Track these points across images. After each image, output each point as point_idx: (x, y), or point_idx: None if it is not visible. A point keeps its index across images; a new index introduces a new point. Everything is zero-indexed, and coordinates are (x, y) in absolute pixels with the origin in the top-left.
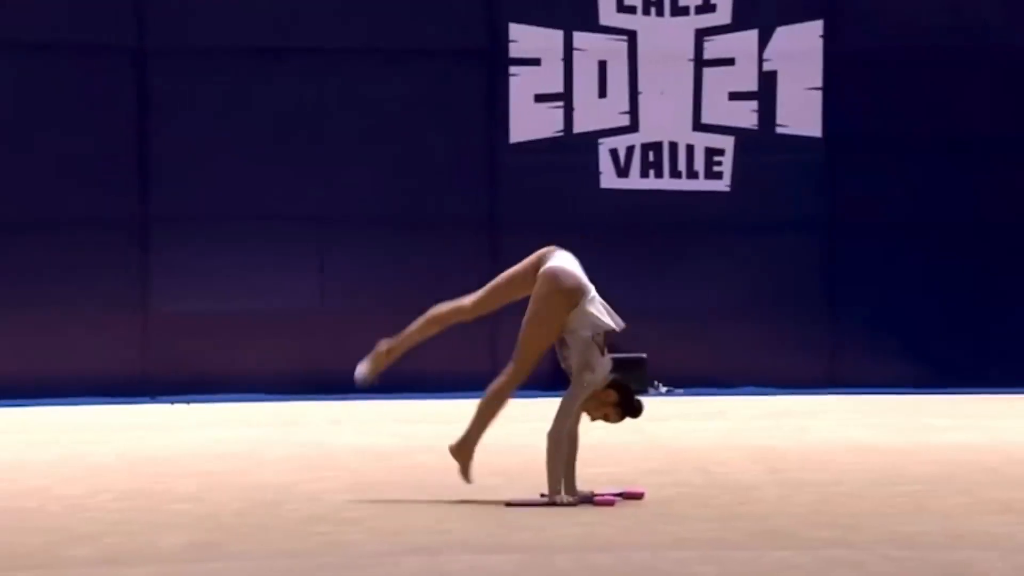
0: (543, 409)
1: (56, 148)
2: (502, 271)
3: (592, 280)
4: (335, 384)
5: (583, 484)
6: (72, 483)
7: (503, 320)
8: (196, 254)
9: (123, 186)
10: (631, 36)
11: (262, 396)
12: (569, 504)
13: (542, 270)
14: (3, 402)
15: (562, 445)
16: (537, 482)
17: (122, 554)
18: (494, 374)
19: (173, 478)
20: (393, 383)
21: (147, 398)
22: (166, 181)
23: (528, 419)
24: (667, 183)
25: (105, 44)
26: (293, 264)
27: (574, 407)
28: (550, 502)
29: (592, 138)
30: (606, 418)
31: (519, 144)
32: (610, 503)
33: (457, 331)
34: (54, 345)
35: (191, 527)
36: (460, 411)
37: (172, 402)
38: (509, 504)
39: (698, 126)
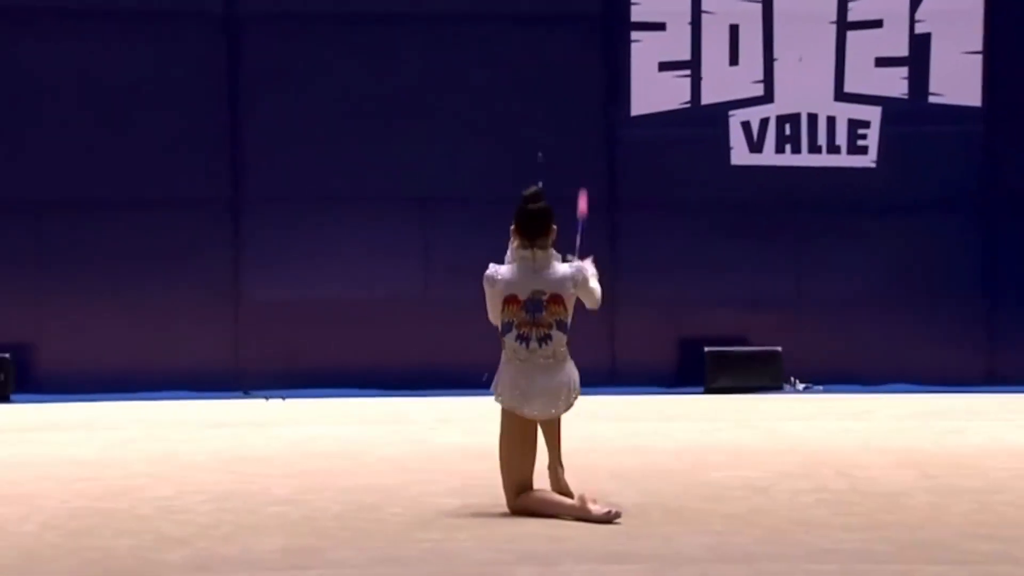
0: (636, 408)
1: (145, 124)
2: (621, 256)
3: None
4: (441, 379)
5: (690, 494)
6: (163, 483)
7: (620, 312)
8: (291, 238)
9: (214, 164)
10: None
11: (362, 391)
12: None
13: None
14: (92, 396)
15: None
16: (655, 485)
17: (215, 560)
18: (613, 370)
19: (268, 479)
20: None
21: (240, 393)
22: (260, 160)
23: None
24: (805, 159)
25: (196, 11)
26: (395, 249)
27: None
28: None
29: (722, 110)
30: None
31: (640, 118)
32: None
33: (573, 324)
34: (144, 337)
35: (287, 531)
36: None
37: (266, 397)
38: None
39: (841, 95)
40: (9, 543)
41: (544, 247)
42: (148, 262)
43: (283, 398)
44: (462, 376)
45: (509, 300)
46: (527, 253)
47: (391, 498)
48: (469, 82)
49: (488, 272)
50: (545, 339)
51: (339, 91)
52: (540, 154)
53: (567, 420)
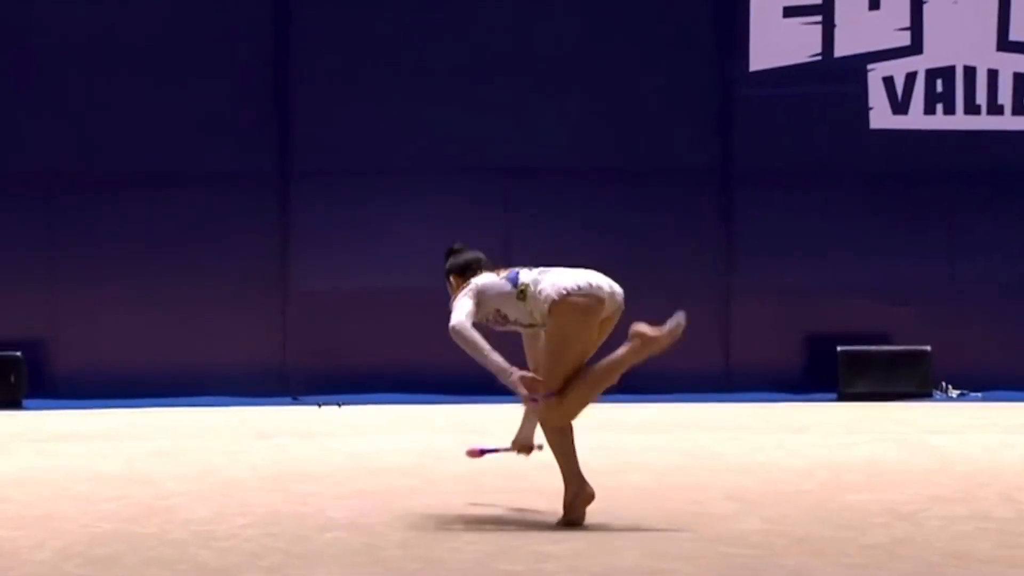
0: (754, 418)
1: (178, 91)
2: (736, 238)
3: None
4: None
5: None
6: (200, 503)
7: (736, 304)
8: (348, 218)
9: (259, 135)
10: None
11: (429, 397)
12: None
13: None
14: (116, 402)
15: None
16: (781, 511)
17: None
18: (728, 374)
19: (322, 499)
20: None
21: (288, 398)
22: (311, 129)
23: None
24: (961, 121)
25: None
26: (470, 229)
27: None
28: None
29: (860, 63)
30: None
31: (761, 73)
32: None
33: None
34: (176, 333)
35: (345, 562)
36: (683, 417)
37: (319, 403)
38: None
39: (1004, 45)
40: (22, 574)
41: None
42: (180, 246)
43: (338, 404)
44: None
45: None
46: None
47: (466, 522)
48: (558, 35)
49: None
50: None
51: (404, 52)
52: None
53: (666, 431)
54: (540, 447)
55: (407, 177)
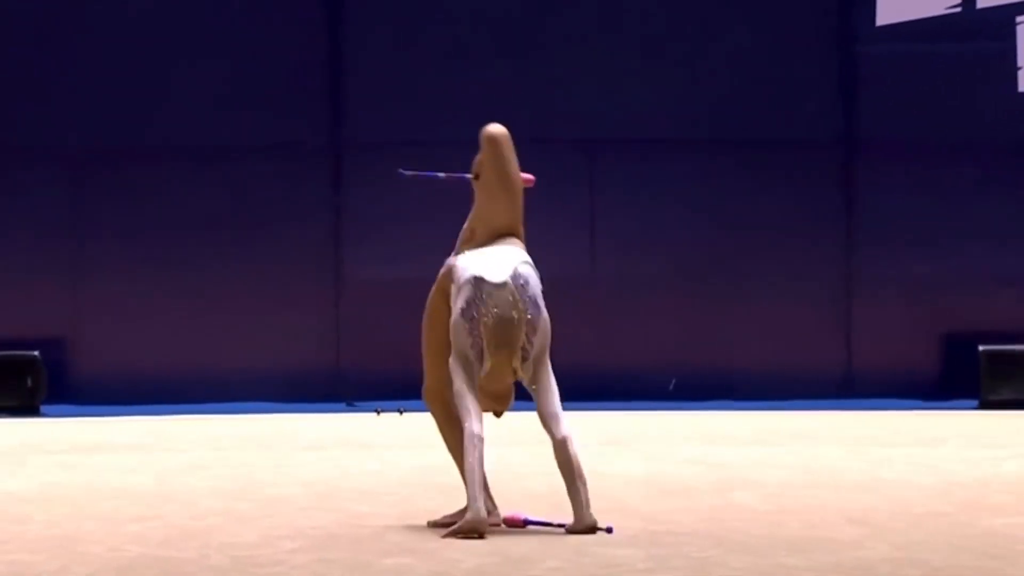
0: (880, 428)
1: (233, 63)
2: (859, 217)
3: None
4: (611, 387)
5: None
6: (242, 525)
7: (858, 297)
8: (407, 196)
9: (310, 107)
10: None
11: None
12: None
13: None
14: (146, 408)
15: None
16: (913, 536)
17: None
18: (849, 377)
19: (382, 519)
20: (698, 387)
21: (342, 404)
22: (365, 99)
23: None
24: None
25: None
26: (549, 207)
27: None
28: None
29: (1007, 15)
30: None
31: (890, 28)
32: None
33: (802, 316)
34: (214, 330)
35: None
36: (798, 426)
37: (377, 410)
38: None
39: None
40: None
41: None
42: (219, 231)
43: (400, 411)
44: (640, 383)
45: None
46: None
47: (546, 547)
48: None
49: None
50: None
51: (467, 14)
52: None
53: (778, 444)
54: (609, 529)
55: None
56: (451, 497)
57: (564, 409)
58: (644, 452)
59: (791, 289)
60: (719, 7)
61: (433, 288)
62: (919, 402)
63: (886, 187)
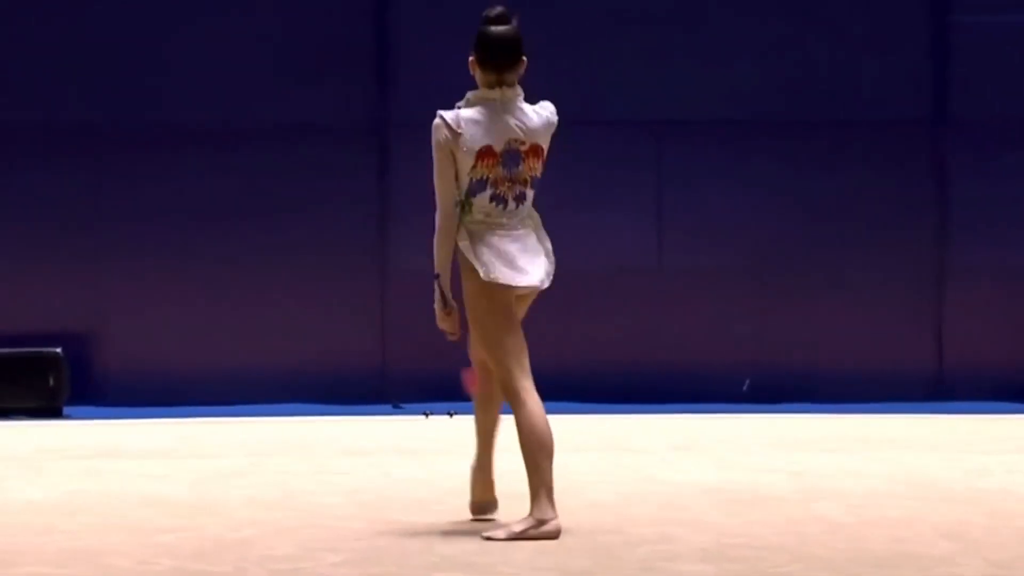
0: (978, 433)
1: (269, 38)
2: (951, 203)
3: None
4: (680, 388)
5: None
6: (281, 536)
7: (951, 290)
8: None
9: (354, 83)
10: None
11: (565, 404)
12: None
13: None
14: (177, 410)
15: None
16: (1017, 552)
17: None
18: (940, 378)
19: (431, 531)
20: (775, 388)
21: (388, 406)
22: (416, 76)
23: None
24: None
25: None
26: (614, 191)
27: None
28: None
29: None
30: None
31: None
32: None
33: (889, 311)
34: (250, 325)
35: None
36: (885, 432)
37: (426, 412)
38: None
39: None
40: None
41: (512, 83)
42: (256, 218)
43: (450, 414)
44: (711, 383)
45: (483, 154)
46: (493, 93)
47: (609, 561)
48: None
49: (445, 119)
50: (521, 197)
51: None
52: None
53: (863, 450)
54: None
55: None
56: (507, 508)
57: (625, 412)
58: (717, 459)
59: (876, 281)
60: None
61: None
62: (1018, 405)
63: (981, 170)
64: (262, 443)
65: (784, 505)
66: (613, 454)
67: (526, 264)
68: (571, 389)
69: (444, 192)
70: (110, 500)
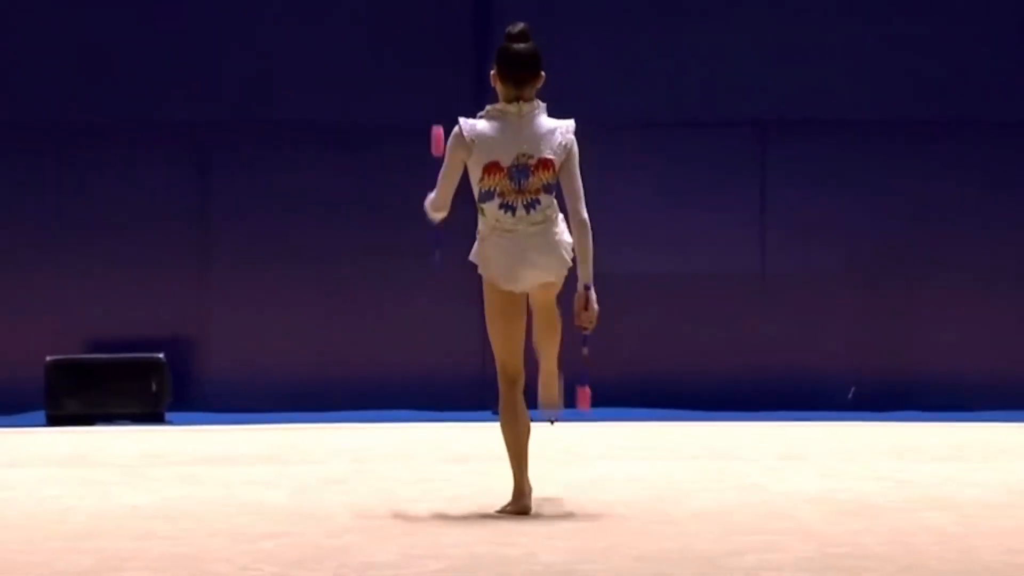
0: None
1: (372, 37)
2: None
3: None
4: (785, 396)
5: None
6: (382, 543)
7: None
8: None
9: (453, 81)
10: None
11: (668, 412)
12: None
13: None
14: (278, 416)
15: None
16: None
17: None
18: None
19: (532, 539)
20: (882, 395)
21: (488, 412)
22: None
23: None
24: None
25: None
26: (720, 202)
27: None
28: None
29: None
30: None
31: None
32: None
33: (1000, 316)
34: (353, 330)
35: None
36: (997, 440)
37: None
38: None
39: None
40: None
41: (530, 98)
42: (357, 221)
43: (551, 421)
44: (815, 391)
45: (490, 168)
46: (511, 107)
47: (713, 569)
48: None
49: (462, 128)
50: (533, 204)
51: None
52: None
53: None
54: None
55: (635, 132)
56: (608, 516)
57: (729, 420)
58: (821, 467)
59: (986, 286)
60: None
61: None
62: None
63: None
64: (364, 449)
65: (890, 514)
66: (717, 462)
67: (524, 269)
68: (674, 396)
69: (441, 186)
70: (211, 506)
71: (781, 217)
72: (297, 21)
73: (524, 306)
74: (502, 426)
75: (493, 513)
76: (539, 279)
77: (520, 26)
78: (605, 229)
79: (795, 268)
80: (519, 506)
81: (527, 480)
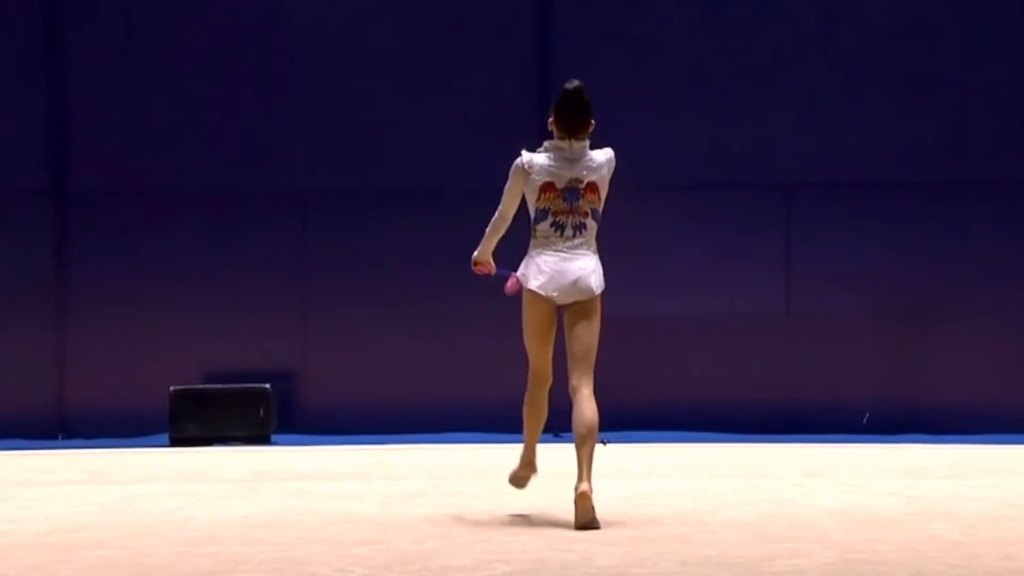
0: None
1: (441, 90)
2: None
3: None
4: (809, 419)
5: None
6: (457, 549)
7: None
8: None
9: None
10: None
11: (706, 435)
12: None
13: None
14: (375, 438)
15: None
16: None
17: None
18: None
19: (589, 545)
20: (895, 418)
21: (550, 435)
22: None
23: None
24: None
25: None
26: (749, 249)
27: None
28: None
29: None
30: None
31: None
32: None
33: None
34: (442, 361)
35: None
36: (997, 460)
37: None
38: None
39: None
40: None
41: (582, 139)
42: (438, 268)
43: (603, 442)
44: (834, 415)
45: (545, 187)
46: (563, 144)
47: (747, 573)
48: (863, 18)
49: (523, 159)
50: (580, 227)
51: (671, 49)
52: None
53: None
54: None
55: (679, 189)
56: (655, 525)
57: (760, 442)
58: (841, 483)
59: (987, 330)
60: (937, 40)
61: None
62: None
63: None
64: (442, 467)
65: (902, 525)
66: (750, 479)
67: (561, 286)
68: (713, 421)
69: (505, 203)
70: (311, 516)
71: (805, 268)
72: (391, 92)
73: (556, 319)
74: (525, 408)
75: (543, 518)
76: (575, 296)
77: (576, 83)
78: (655, 277)
79: (817, 312)
80: (523, 471)
81: (535, 453)
